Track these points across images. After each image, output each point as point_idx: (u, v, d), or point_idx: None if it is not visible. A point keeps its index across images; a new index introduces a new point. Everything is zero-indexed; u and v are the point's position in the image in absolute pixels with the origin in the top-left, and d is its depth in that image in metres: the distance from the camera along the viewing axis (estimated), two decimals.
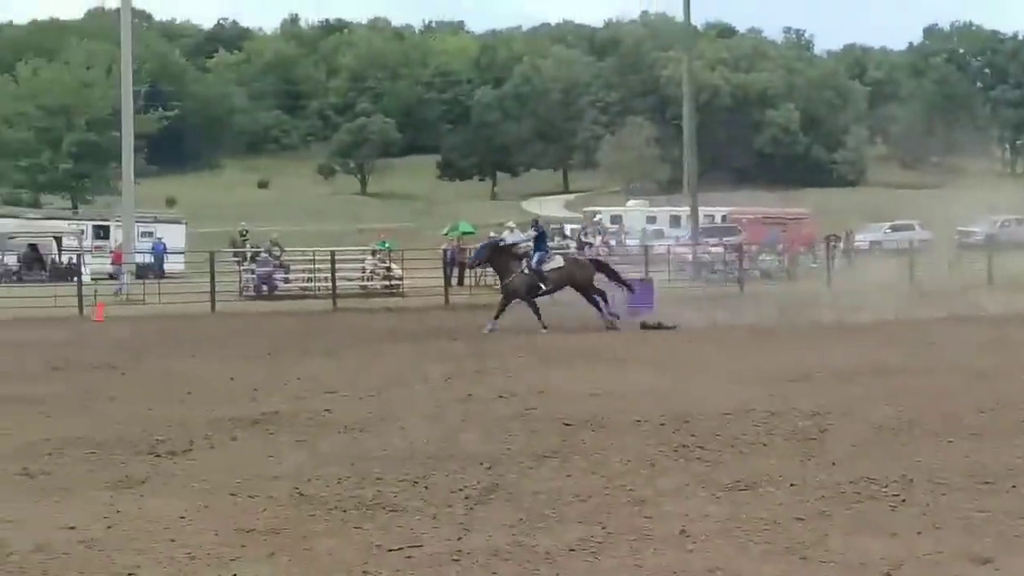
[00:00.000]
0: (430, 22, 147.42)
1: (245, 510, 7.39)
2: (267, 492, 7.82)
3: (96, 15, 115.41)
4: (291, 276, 35.13)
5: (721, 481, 8.00)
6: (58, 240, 45.53)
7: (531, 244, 22.74)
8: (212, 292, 29.51)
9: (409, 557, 6.27)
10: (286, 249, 36.33)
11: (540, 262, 22.07)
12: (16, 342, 20.49)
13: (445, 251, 35.64)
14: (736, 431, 9.88)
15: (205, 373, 15.38)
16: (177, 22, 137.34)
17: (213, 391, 13.38)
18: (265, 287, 33.49)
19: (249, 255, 35.64)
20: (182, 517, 7.19)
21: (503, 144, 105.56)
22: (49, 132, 77.20)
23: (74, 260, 39.27)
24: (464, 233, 42.13)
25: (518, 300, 21.83)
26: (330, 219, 74.97)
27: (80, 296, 28.49)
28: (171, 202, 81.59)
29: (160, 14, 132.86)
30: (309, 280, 34.96)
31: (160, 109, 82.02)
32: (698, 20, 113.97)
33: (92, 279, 35.17)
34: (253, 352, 18.24)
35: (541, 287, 21.87)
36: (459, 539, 6.59)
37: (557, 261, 22.76)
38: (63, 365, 16.32)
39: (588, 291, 22.20)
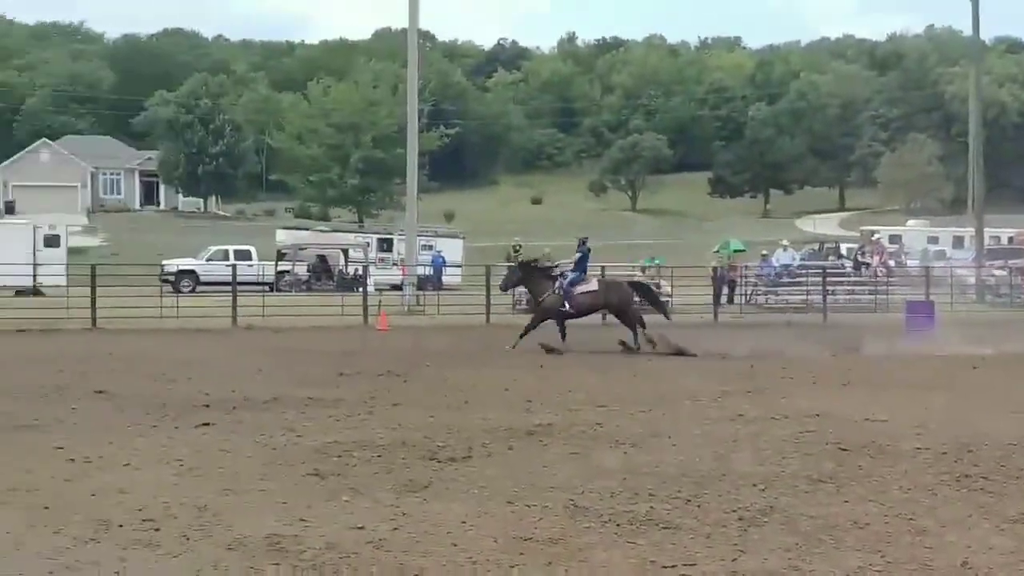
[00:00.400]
0: (706, 38, 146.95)
1: (522, 518, 7.58)
2: (542, 502, 7.99)
3: (383, 36, 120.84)
4: None
5: (1006, 513, 7.67)
6: (345, 252, 47.78)
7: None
8: (487, 305, 30.25)
9: (683, 575, 6.31)
10: (558, 263, 36.80)
11: (572, 283, 21.53)
12: (306, 349, 21.56)
13: (715, 269, 35.32)
14: (1022, 462, 9.42)
15: (481, 382, 15.81)
16: (459, 43, 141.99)
17: (489, 400, 13.73)
18: None
19: None
20: (463, 522, 7.44)
21: (777, 161, 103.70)
22: (338, 149, 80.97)
23: (360, 271, 41.09)
24: (735, 251, 41.66)
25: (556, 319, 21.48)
26: (600, 235, 75.54)
27: (365, 306, 29.72)
28: (449, 217, 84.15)
29: (443, 35, 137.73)
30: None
31: (441, 127, 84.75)
32: (987, 35, 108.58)
33: (376, 290, 36.62)
34: (526, 363, 18.62)
35: (566, 308, 21.36)
36: (733, 560, 6.57)
37: (591, 284, 21.94)
38: (349, 371, 17.03)
39: (625, 314, 21.60)
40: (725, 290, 35.00)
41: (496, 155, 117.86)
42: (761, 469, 9.19)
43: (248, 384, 15.19)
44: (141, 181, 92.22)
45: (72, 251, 49.73)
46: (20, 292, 38.10)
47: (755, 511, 7.73)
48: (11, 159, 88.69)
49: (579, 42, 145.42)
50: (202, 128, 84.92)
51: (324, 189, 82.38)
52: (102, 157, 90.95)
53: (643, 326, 21.40)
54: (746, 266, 37.89)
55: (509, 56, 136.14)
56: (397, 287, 39.66)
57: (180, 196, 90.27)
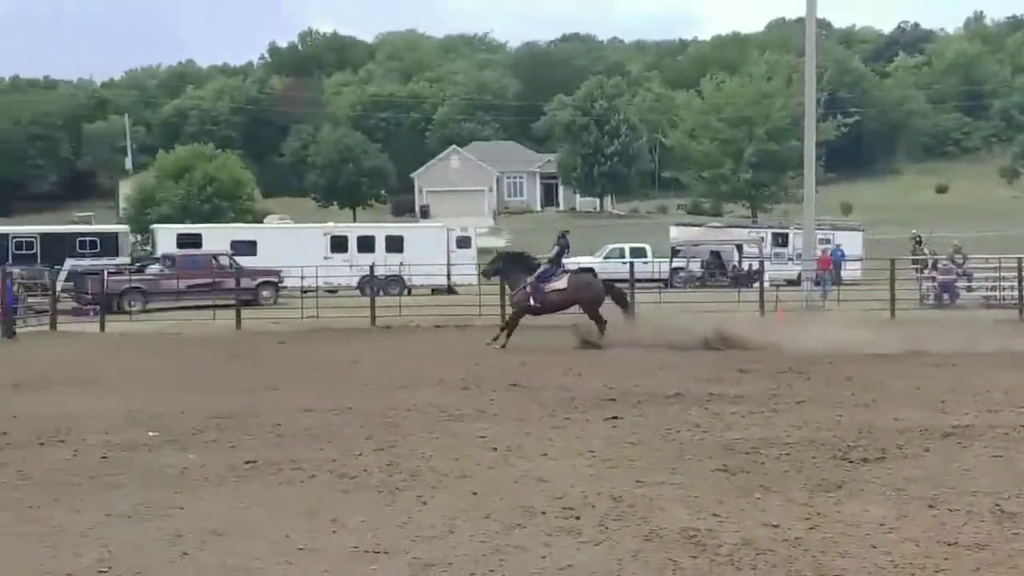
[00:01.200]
0: None
1: (944, 522, 7.32)
2: (966, 506, 7.69)
3: (776, 27, 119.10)
4: (974, 284, 33.77)
5: None
6: (739, 247, 47.61)
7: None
8: (892, 299, 29.22)
9: None
10: (968, 256, 34.98)
11: (542, 279, 21.54)
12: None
13: None
14: None
15: (888, 380, 15.31)
16: (856, 28, 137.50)
17: (899, 399, 13.29)
18: (946, 295, 32.51)
19: (930, 263, 34.79)
20: (881, 524, 7.26)
21: None
22: (731, 143, 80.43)
23: (755, 266, 40.77)
24: None
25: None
26: (1014, 224, 70.97)
27: (762, 301, 29.53)
28: (847, 208, 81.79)
29: (839, 22, 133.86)
30: (992, 289, 33.38)
31: (839, 116, 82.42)
32: None
33: (772, 285, 36.22)
34: (935, 361, 17.85)
35: (536, 304, 21.44)
36: None
37: (561, 282, 21.66)
38: (750, 368, 16.99)
39: (591, 311, 21.33)
40: None
41: (896, 142, 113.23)
42: None
43: (650, 378, 15.49)
44: (541, 183, 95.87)
45: (481, 252, 52.35)
46: (436, 290, 40.67)
47: None
48: (425, 166, 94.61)
49: (987, 21, 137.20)
50: (597, 129, 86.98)
51: (716, 184, 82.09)
52: (506, 161, 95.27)
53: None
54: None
55: (910, 39, 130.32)
56: (793, 282, 39.16)
57: (577, 196, 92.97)
